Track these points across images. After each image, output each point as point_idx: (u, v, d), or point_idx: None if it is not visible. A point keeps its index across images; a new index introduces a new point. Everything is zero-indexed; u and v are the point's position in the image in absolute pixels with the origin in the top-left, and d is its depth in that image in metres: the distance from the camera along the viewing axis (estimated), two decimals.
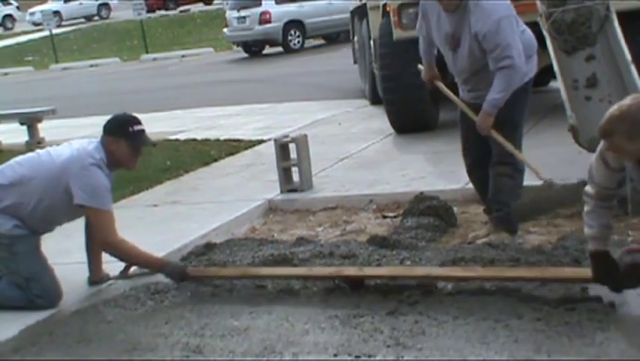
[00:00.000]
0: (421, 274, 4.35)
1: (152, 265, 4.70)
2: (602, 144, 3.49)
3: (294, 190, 6.66)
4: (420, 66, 5.39)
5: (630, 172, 3.54)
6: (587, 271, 3.86)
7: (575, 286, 3.98)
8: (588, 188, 3.70)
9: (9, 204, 4.50)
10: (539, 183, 5.38)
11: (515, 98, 4.81)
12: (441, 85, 5.26)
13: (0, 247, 4.52)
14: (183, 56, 27.72)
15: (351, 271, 4.49)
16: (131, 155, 4.68)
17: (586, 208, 3.72)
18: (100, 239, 4.60)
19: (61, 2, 43.41)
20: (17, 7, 47.56)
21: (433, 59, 5.22)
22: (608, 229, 3.74)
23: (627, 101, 3.33)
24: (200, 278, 4.72)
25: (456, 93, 5.15)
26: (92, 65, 28.85)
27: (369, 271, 4.50)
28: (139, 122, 4.71)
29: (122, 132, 4.62)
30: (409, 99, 8.35)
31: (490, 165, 5.00)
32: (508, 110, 4.81)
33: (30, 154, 4.84)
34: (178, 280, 4.66)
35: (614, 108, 3.32)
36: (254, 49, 24.71)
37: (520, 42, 4.73)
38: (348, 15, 13.72)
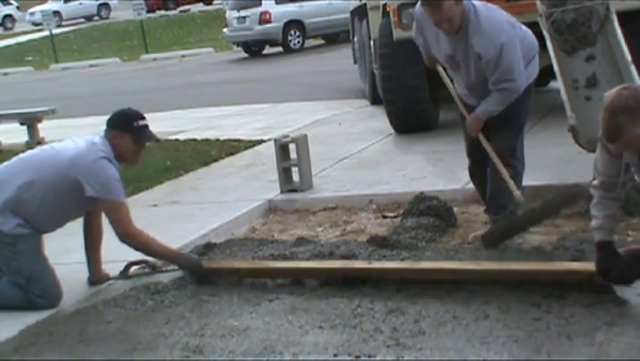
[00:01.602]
0: (429, 267, 4.41)
1: (168, 256, 4.78)
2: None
3: (294, 190, 6.66)
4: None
5: (634, 167, 3.58)
6: (590, 265, 3.91)
7: (575, 287, 3.98)
8: (594, 181, 3.77)
9: (10, 197, 4.48)
10: (536, 184, 5.43)
11: (517, 99, 4.80)
12: (441, 70, 5.17)
13: (3, 246, 4.51)
14: (183, 56, 27.75)
15: (360, 264, 4.57)
16: (135, 150, 4.70)
17: (592, 201, 3.79)
18: (119, 230, 4.59)
19: (61, 2, 43.46)
20: (17, 7, 47.58)
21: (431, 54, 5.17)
22: (613, 219, 3.78)
23: (607, 98, 3.37)
24: (214, 271, 4.78)
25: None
26: (91, 65, 28.88)
27: (378, 264, 4.54)
28: (143, 118, 4.76)
29: (127, 126, 4.66)
30: (409, 99, 8.35)
31: (489, 164, 5.00)
32: (510, 112, 4.80)
33: (32, 151, 4.86)
34: (191, 272, 4.72)
35: (603, 113, 3.35)
36: (254, 49, 24.73)
37: (522, 47, 4.73)
38: (348, 15, 13.72)
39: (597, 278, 3.88)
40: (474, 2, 4.66)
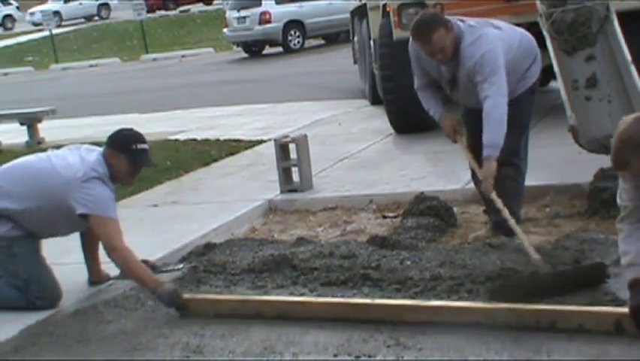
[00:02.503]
0: (436, 305, 3.98)
1: (147, 283, 4.36)
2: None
3: (294, 190, 6.66)
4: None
5: None
6: (617, 309, 3.59)
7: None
8: (621, 214, 3.51)
9: (2, 207, 4.47)
10: (536, 184, 5.39)
11: (521, 99, 4.79)
12: (463, 142, 4.88)
13: None
14: (183, 56, 27.74)
15: (357, 301, 4.19)
16: (129, 172, 4.60)
17: (620, 237, 3.51)
18: (106, 245, 4.46)
19: (61, 2, 43.44)
20: (17, 7, 47.56)
21: (442, 104, 4.91)
22: None
23: (622, 125, 3.25)
24: (194, 303, 4.36)
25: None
26: (91, 65, 28.86)
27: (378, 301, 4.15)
28: (144, 141, 4.62)
29: (125, 148, 4.54)
30: (409, 99, 8.23)
31: None
32: (514, 111, 4.78)
33: (29, 159, 4.76)
34: (168, 305, 4.32)
35: (614, 139, 3.24)
36: (254, 49, 24.72)
37: (518, 49, 4.72)
38: (348, 15, 13.71)
39: (628, 323, 3.46)
40: (460, 24, 4.65)
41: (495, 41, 4.62)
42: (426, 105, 4.98)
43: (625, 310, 3.48)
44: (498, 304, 3.80)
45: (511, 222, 4.50)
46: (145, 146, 4.61)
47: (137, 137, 4.62)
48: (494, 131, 4.54)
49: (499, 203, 4.56)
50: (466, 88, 4.72)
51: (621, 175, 3.43)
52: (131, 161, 4.55)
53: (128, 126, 4.86)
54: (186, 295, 4.39)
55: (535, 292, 3.92)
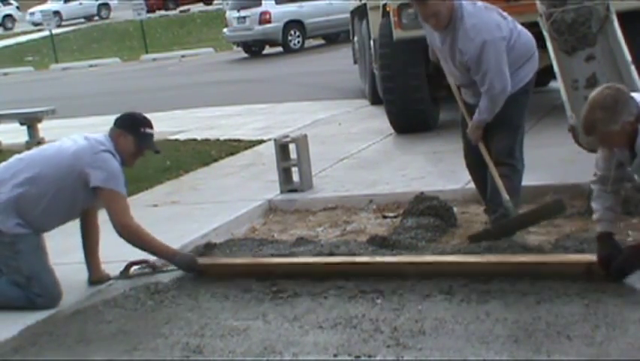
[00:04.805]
0: (430, 260, 4.51)
1: (164, 253, 4.77)
2: None
3: (294, 190, 6.66)
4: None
5: (626, 163, 3.78)
6: (590, 257, 4.10)
7: (576, 286, 3.98)
8: (594, 177, 4.00)
9: (10, 196, 4.47)
10: (536, 184, 5.45)
11: (514, 99, 4.81)
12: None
13: (1, 246, 4.51)
14: (183, 56, 27.75)
15: (362, 259, 4.64)
16: (134, 153, 4.73)
17: (592, 196, 4.03)
18: (117, 222, 4.57)
19: (61, 2, 43.46)
20: (17, 7, 47.58)
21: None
22: (613, 212, 3.99)
23: (592, 94, 3.71)
24: (210, 267, 4.80)
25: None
26: (91, 65, 28.87)
27: (380, 258, 4.63)
28: (151, 126, 4.80)
29: (133, 129, 4.71)
30: (409, 99, 8.35)
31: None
32: (507, 112, 4.81)
33: (31, 151, 4.89)
34: (187, 270, 4.76)
35: (584, 107, 3.70)
36: (254, 49, 24.73)
37: (516, 46, 4.74)
38: (348, 15, 13.72)
39: (597, 269, 4.01)
40: (464, 2, 4.71)
41: (498, 31, 4.68)
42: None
43: (594, 257, 4.03)
44: (489, 257, 4.41)
45: (492, 168, 4.88)
46: (152, 131, 4.81)
47: (146, 121, 4.82)
48: (486, 113, 4.80)
49: (486, 154, 4.92)
50: (455, 63, 4.81)
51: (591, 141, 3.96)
52: (137, 143, 4.71)
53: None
54: (203, 260, 4.83)
55: (507, 232, 4.76)
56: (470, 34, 4.63)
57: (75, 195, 4.57)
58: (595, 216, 4.03)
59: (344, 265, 4.59)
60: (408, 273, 4.37)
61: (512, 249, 4.55)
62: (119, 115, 4.83)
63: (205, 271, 4.78)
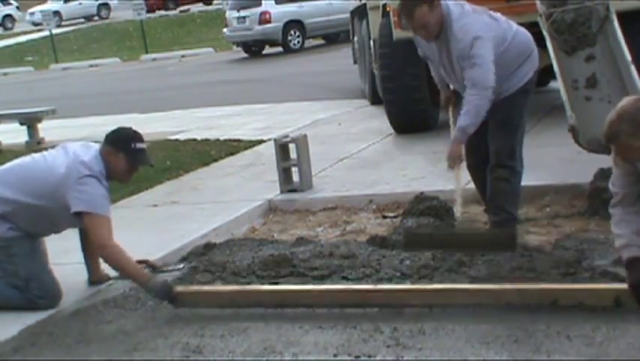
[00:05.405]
0: (440, 288, 4.15)
1: (137, 277, 4.40)
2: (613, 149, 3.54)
3: (294, 190, 6.66)
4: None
5: None
6: (616, 285, 3.79)
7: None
8: (612, 200, 3.71)
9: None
10: (536, 184, 5.42)
11: (513, 99, 4.78)
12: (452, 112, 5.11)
13: None
14: (183, 56, 27.73)
15: (362, 287, 4.30)
16: (127, 171, 4.61)
17: (613, 221, 3.70)
18: (97, 244, 4.46)
19: (61, 2, 43.44)
20: (17, 7, 47.57)
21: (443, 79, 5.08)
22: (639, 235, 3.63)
23: (622, 102, 3.46)
24: (186, 296, 4.38)
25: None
26: (91, 65, 28.85)
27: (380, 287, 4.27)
28: (142, 140, 4.64)
29: (123, 146, 4.55)
30: (409, 99, 8.35)
31: (488, 166, 4.98)
32: (507, 112, 4.79)
33: (24, 160, 4.75)
34: (161, 298, 4.36)
35: (612, 113, 3.44)
36: (254, 49, 24.72)
37: (513, 44, 4.72)
38: (348, 15, 13.71)
39: (626, 297, 3.67)
40: (450, 6, 4.66)
41: (486, 31, 4.62)
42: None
43: (623, 285, 3.68)
44: (503, 285, 3.99)
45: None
46: (143, 145, 4.63)
47: (136, 136, 4.64)
48: (469, 117, 4.61)
49: (458, 178, 4.81)
50: (455, 72, 4.75)
51: (614, 162, 3.61)
52: (129, 160, 4.57)
53: (127, 126, 4.87)
54: (179, 288, 4.41)
55: (446, 244, 4.52)
56: (459, 36, 4.58)
57: (56, 216, 4.50)
58: (621, 242, 3.65)
59: (341, 292, 4.22)
60: (411, 304, 4.04)
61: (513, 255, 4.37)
62: (110, 131, 4.67)
63: (181, 299, 4.35)
